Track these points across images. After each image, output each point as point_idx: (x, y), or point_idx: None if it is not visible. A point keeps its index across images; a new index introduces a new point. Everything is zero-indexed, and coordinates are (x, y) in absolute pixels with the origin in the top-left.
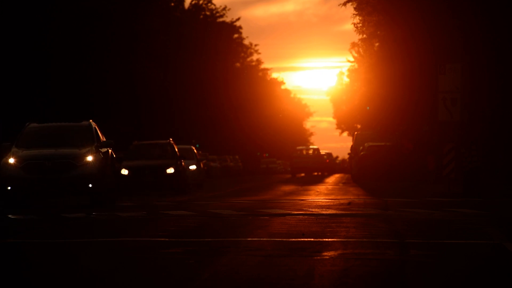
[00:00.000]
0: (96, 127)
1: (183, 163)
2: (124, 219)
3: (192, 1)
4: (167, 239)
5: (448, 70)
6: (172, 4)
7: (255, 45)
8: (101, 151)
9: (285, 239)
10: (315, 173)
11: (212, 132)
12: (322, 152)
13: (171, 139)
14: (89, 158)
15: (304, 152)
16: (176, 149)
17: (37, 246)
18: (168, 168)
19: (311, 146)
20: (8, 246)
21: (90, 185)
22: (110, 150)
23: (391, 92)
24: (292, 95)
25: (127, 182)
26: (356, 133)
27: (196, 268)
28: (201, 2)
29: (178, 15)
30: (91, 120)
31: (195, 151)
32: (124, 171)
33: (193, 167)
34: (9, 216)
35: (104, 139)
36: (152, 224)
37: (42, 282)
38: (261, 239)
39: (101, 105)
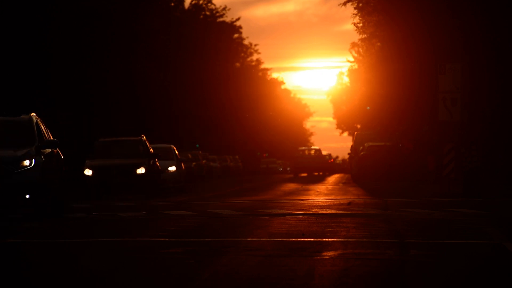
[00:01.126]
0: (39, 121)
1: (157, 162)
2: (124, 219)
3: (192, 1)
4: (167, 239)
5: (448, 70)
6: (172, 4)
7: (255, 45)
8: (43, 153)
9: (285, 239)
10: (316, 173)
11: (212, 132)
12: (324, 152)
13: (143, 135)
14: (27, 162)
15: (306, 152)
16: (150, 147)
17: (37, 246)
18: (138, 168)
19: (312, 147)
20: (8, 246)
21: (28, 196)
22: (56, 151)
23: (391, 92)
24: (292, 95)
25: (91, 184)
26: (356, 133)
27: (196, 268)
28: (201, 2)
29: (178, 15)
30: (33, 114)
31: (175, 151)
32: (88, 172)
33: (172, 168)
34: (9, 216)
35: (51, 137)
36: (152, 224)
37: (42, 282)
38: (261, 239)
39: (101, 105)
